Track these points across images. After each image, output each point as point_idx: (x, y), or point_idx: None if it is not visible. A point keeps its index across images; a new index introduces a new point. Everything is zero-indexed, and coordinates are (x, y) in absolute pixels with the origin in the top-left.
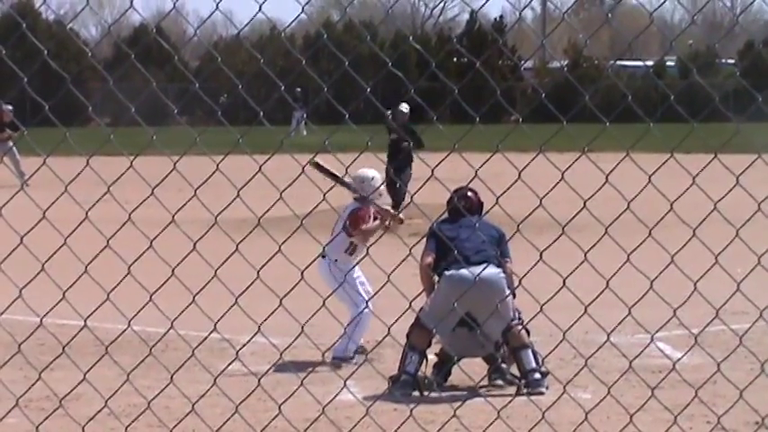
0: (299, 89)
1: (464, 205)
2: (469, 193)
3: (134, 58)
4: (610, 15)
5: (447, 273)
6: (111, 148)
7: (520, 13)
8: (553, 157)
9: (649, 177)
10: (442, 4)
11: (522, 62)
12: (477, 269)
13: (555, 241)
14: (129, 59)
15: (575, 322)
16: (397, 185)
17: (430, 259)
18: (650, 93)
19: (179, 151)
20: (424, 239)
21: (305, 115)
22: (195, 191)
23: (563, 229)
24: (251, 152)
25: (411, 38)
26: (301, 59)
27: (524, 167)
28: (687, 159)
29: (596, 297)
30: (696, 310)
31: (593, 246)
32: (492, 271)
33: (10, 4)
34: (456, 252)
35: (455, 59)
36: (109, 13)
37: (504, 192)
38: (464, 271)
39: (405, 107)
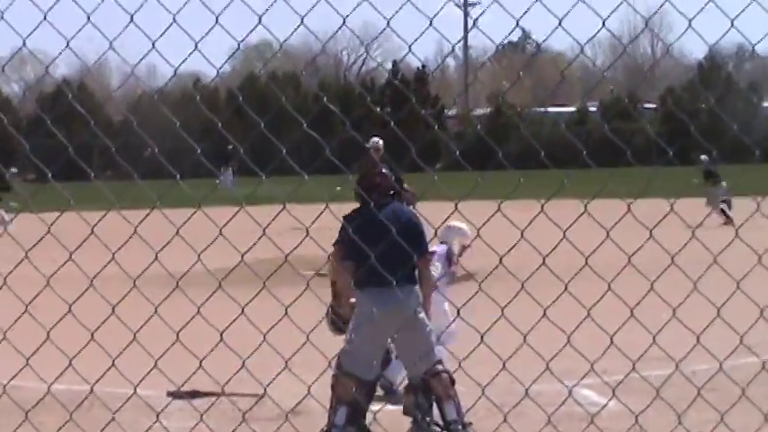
0: (230, 147)
1: (370, 187)
2: (378, 176)
3: (57, 116)
4: (519, 72)
5: (363, 293)
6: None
7: (442, 62)
8: (475, 206)
9: (564, 233)
10: (363, 55)
11: (445, 111)
12: (392, 292)
13: (473, 296)
14: (52, 116)
15: (493, 378)
16: None
17: (348, 273)
18: (573, 138)
19: (103, 207)
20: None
21: (232, 171)
22: (113, 254)
23: (480, 285)
24: (176, 206)
25: (327, 96)
26: (216, 121)
27: (441, 224)
28: (606, 206)
29: (514, 352)
30: (621, 357)
31: (510, 301)
32: (409, 298)
33: None
34: (368, 262)
35: (378, 109)
36: (31, 70)
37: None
38: (380, 292)
39: (376, 141)
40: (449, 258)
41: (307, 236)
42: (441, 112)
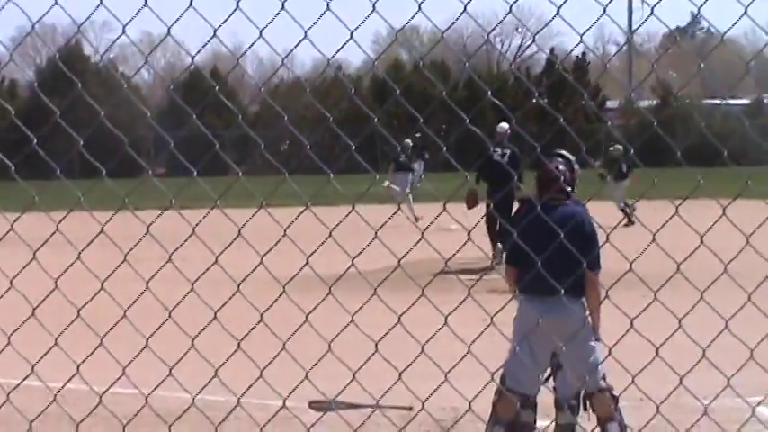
0: (418, 134)
1: (545, 184)
2: (554, 172)
3: (189, 105)
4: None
5: (526, 300)
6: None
7: (606, 65)
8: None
9: (748, 238)
10: (518, 42)
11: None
12: (558, 302)
13: (649, 305)
14: (182, 107)
15: (669, 395)
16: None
17: (513, 276)
18: (747, 132)
19: (235, 203)
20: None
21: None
22: (262, 256)
23: (655, 294)
24: (326, 203)
25: (489, 92)
26: (373, 117)
27: (614, 228)
28: None
29: (693, 367)
30: None
31: (688, 312)
32: (576, 309)
33: (57, 50)
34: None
35: (534, 100)
36: (162, 56)
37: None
38: (544, 301)
39: (502, 125)
40: None
41: (467, 239)
42: (602, 104)
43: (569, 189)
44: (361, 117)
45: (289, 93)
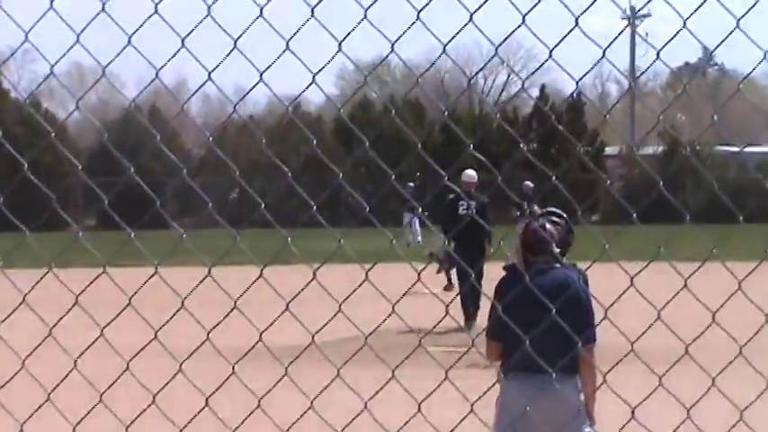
0: (411, 183)
1: (530, 244)
2: (537, 232)
3: (125, 146)
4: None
5: (510, 380)
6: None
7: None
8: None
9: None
10: (505, 78)
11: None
12: (547, 381)
13: (656, 389)
14: (115, 149)
15: None
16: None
17: (495, 352)
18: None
19: (180, 261)
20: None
21: (416, 218)
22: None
23: (660, 380)
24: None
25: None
26: (338, 172)
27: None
28: None
29: None
30: None
31: (699, 400)
32: (567, 390)
33: None
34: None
35: (522, 146)
36: (94, 92)
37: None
38: (532, 380)
39: (470, 173)
40: None
41: (447, 312)
42: (600, 151)
43: (560, 251)
44: (323, 161)
45: (239, 134)
